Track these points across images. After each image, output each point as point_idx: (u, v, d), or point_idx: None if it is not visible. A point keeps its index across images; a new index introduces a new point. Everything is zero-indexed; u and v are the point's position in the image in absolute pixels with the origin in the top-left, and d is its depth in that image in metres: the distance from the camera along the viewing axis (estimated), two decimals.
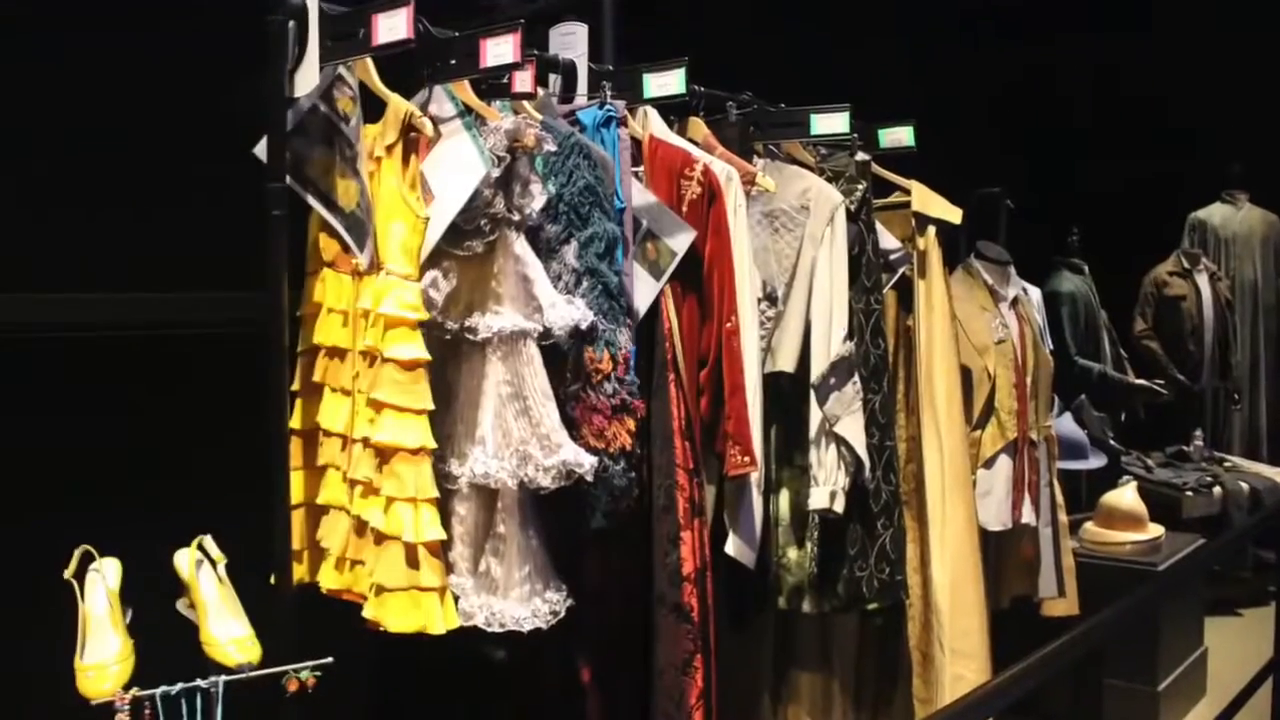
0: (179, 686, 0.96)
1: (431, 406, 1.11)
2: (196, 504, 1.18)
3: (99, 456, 1.26)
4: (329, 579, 1.18)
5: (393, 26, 1.06)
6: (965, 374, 1.82)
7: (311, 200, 1.15)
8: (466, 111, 1.18)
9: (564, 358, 1.19)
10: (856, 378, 1.52)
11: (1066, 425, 2.50)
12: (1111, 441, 2.79)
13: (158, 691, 0.96)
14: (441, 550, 1.12)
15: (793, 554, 1.55)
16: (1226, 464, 3.08)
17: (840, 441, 1.50)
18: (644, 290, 1.33)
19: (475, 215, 1.14)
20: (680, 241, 1.33)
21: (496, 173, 1.13)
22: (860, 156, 1.66)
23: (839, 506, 1.50)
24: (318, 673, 1.02)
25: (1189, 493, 2.80)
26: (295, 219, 1.14)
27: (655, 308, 1.34)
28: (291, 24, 1.08)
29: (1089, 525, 2.39)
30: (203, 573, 1.11)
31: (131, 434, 1.30)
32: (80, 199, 1.30)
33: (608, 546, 1.26)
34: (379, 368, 1.10)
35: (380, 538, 1.11)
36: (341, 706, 1.13)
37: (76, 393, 1.28)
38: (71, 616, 1.04)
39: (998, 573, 1.94)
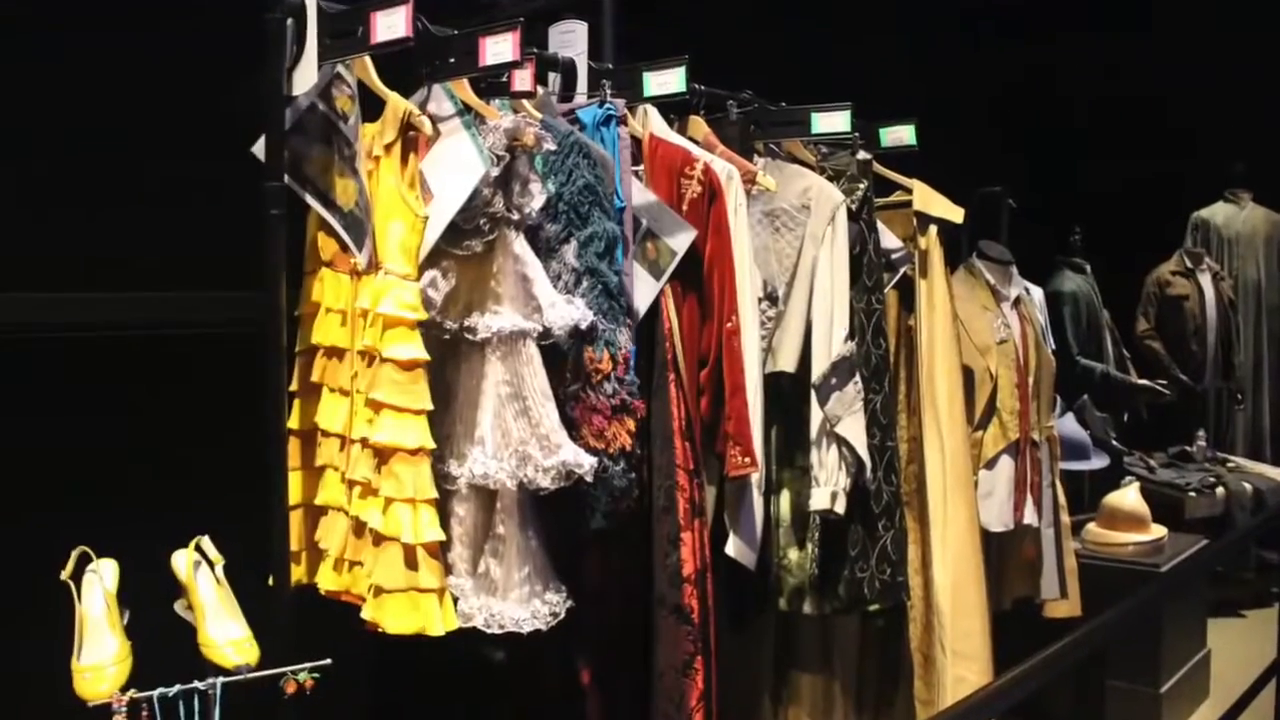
0: (176, 688, 0.96)
1: (430, 407, 1.11)
2: (194, 505, 1.17)
3: (97, 456, 1.26)
4: (327, 580, 1.17)
5: (391, 24, 1.05)
6: (967, 374, 1.82)
7: (310, 199, 1.15)
8: (465, 110, 1.17)
9: (564, 358, 1.19)
10: (858, 378, 1.51)
11: (1069, 426, 2.49)
12: (1114, 442, 2.78)
13: (155, 693, 0.95)
14: (440, 551, 1.11)
15: (793, 555, 1.55)
16: (1229, 464, 3.07)
17: (841, 442, 1.49)
18: (644, 290, 1.32)
19: (474, 214, 1.13)
20: (680, 241, 1.33)
21: (496, 172, 1.13)
22: (861, 155, 1.66)
23: (840, 507, 1.49)
24: (316, 674, 1.02)
25: (1192, 493, 2.79)
26: (294, 218, 1.13)
27: (655, 307, 1.34)
28: (290, 22, 1.07)
29: (1091, 526, 2.39)
30: (200, 574, 1.10)
31: (129, 434, 1.29)
32: (80, 199, 1.30)
33: (607, 547, 1.26)
34: (377, 368, 1.10)
35: (379, 539, 1.10)
36: (340, 708, 1.12)
37: (76, 393, 1.28)
38: (69, 617, 1.04)
39: (1000, 574, 1.93)
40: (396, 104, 1.13)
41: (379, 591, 1.09)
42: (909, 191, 1.79)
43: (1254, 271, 3.49)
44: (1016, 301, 1.99)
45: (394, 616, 1.08)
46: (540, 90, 1.32)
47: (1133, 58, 3.45)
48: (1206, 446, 3.11)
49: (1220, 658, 2.51)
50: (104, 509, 1.19)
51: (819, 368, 1.51)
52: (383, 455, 1.10)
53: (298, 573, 1.18)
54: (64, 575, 1.08)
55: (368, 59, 1.14)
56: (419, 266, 1.11)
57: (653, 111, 1.45)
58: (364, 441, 1.11)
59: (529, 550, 1.16)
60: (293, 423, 1.18)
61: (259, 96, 1.08)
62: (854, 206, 1.59)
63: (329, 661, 1.03)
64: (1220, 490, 2.86)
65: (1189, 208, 3.60)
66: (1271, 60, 3.31)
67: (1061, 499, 2.03)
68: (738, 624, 1.52)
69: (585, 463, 1.12)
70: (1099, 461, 2.56)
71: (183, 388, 1.35)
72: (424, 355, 1.10)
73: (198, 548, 1.12)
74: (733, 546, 1.44)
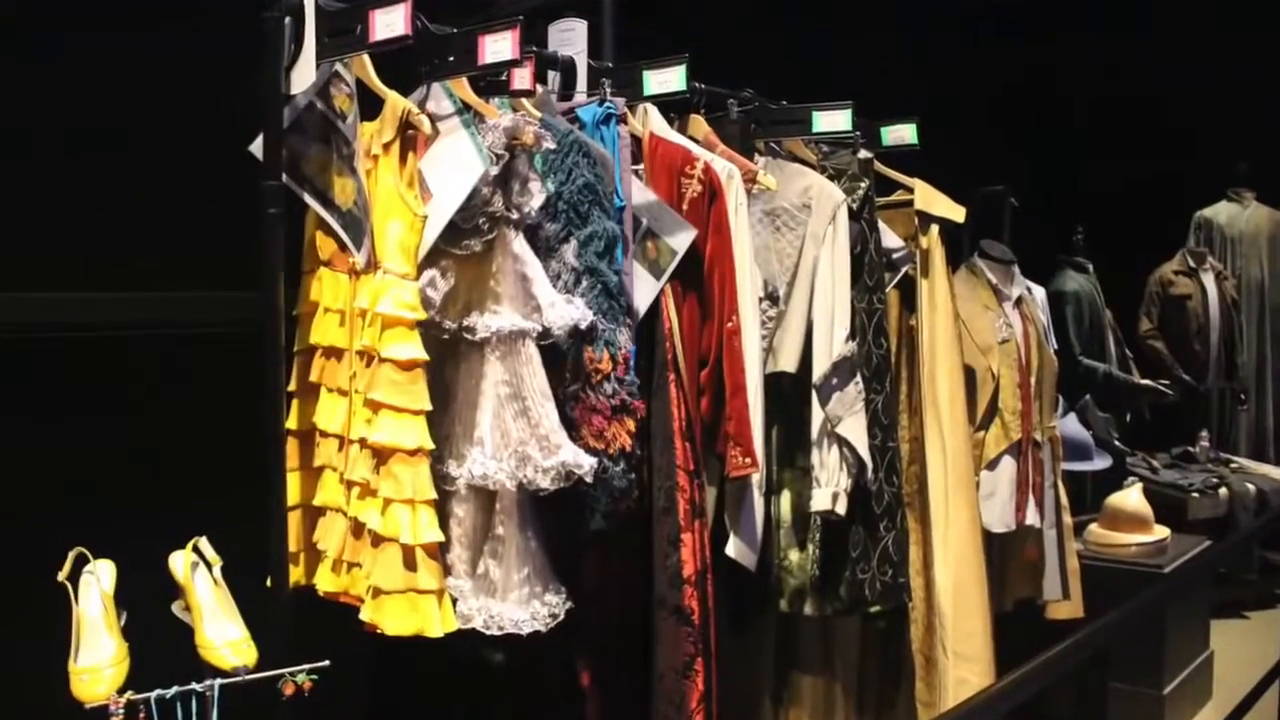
0: (174, 690, 0.96)
1: (429, 407, 1.10)
2: (192, 505, 1.17)
3: (95, 457, 1.25)
4: (326, 581, 1.17)
5: (390, 23, 1.05)
6: (969, 374, 1.81)
7: (308, 198, 1.14)
8: (465, 109, 1.17)
9: (563, 358, 1.18)
10: (859, 378, 1.51)
11: (1071, 426, 2.49)
12: (1116, 442, 2.77)
13: (152, 695, 0.95)
14: (439, 552, 1.11)
15: (794, 556, 1.54)
16: (1233, 465, 3.06)
17: (842, 442, 1.49)
18: (644, 289, 1.32)
19: (473, 214, 1.13)
20: (681, 240, 1.32)
21: (495, 171, 1.12)
22: (863, 154, 1.65)
23: (841, 508, 1.49)
24: (314, 676, 1.01)
25: (1195, 494, 2.79)
26: (292, 217, 1.13)
27: (655, 307, 1.33)
28: (288, 20, 1.07)
29: (1094, 527, 2.38)
30: (198, 575, 1.10)
31: (127, 434, 1.29)
32: (80, 199, 1.30)
33: (607, 548, 1.25)
34: (376, 368, 1.09)
35: (377, 539, 1.10)
36: (338, 710, 1.12)
37: (75, 393, 1.28)
38: (66, 618, 1.03)
39: (1001, 575, 1.92)
40: (395, 102, 1.13)
41: (377, 593, 1.09)
42: (910, 190, 1.78)
43: (1257, 271, 3.48)
44: (1018, 301, 1.98)
45: (393, 618, 1.08)
46: (540, 89, 1.31)
47: (1136, 56, 3.44)
48: (1209, 447, 3.10)
49: (1223, 659, 2.50)
50: (101, 509, 1.18)
51: (820, 368, 1.50)
52: (381, 456, 1.09)
53: (296, 574, 1.18)
54: (61, 576, 1.07)
55: (366, 57, 1.14)
56: (418, 266, 1.11)
57: (653, 110, 1.44)
58: (362, 442, 1.11)
59: (528, 551, 1.16)
60: (291, 423, 1.18)
61: (257, 95, 1.07)
62: (855, 206, 1.58)
63: (327, 663, 1.02)
64: (1223, 491, 2.85)
65: (1192, 207, 3.58)
66: (1276, 58, 3.30)
67: (1064, 500, 2.02)
68: (738, 625, 1.52)
69: (585, 463, 1.12)
70: (1101, 462, 2.55)
71: (181, 388, 1.34)
72: (423, 355, 1.09)
73: (195, 548, 1.12)
74: (733, 547, 1.43)
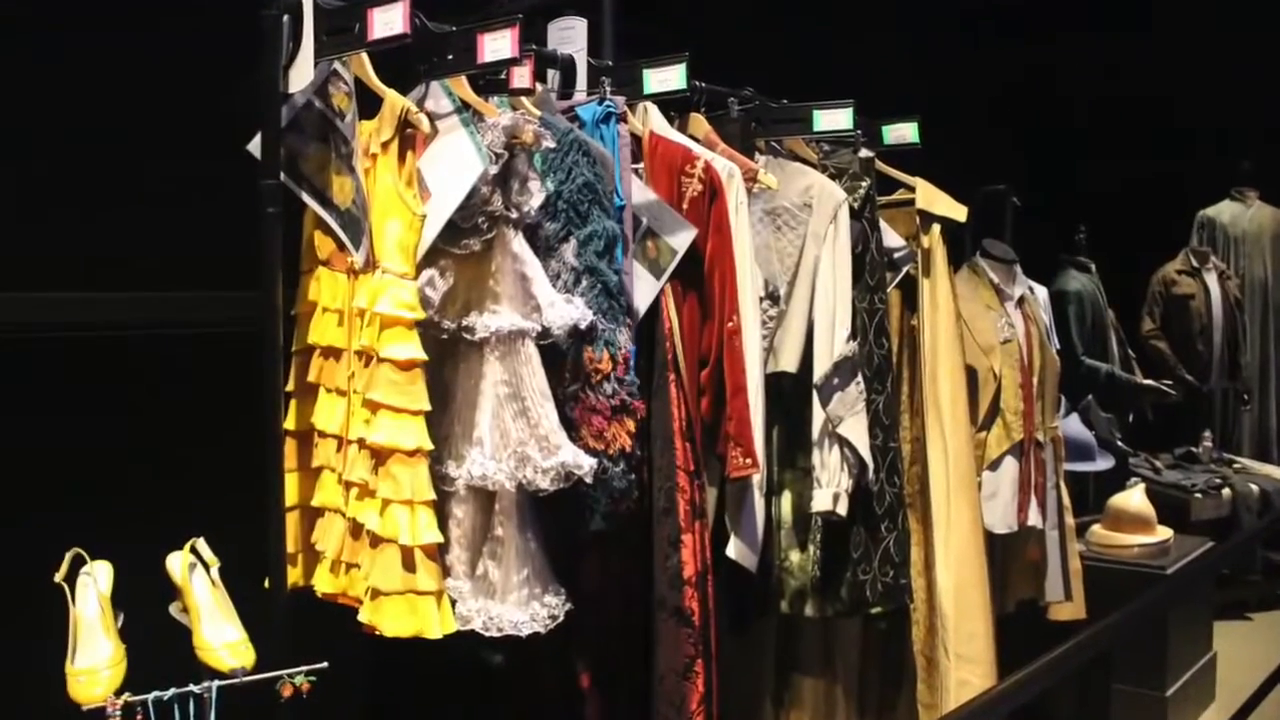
0: (172, 692, 0.95)
1: (428, 407, 1.10)
2: (190, 506, 1.16)
3: (92, 457, 1.25)
4: (324, 582, 1.16)
5: (389, 21, 1.04)
6: (970, 374, 1.80)
7: (306, 197, 1.14)
8: (464, 108, 1.16)
9: (563, 358, 1.18)
10: (860, 378, 1.50)
11: (1073, 426, 2.48)
12: (1119, 443, 2.76)
13: (150, 697, 0.95)
14: (438, 553, 1.10)
15: (795, 557, 1.54)
16: (1236, 465, 3.06)
17: (843, 443, 1.48)
18: (644, 289, 1.31)
19: (473, 213, 1.12)
20: (681, 239, 1.32)
21: (494, 170, 1.12)
22: (864, 153, 1.64)
23: (842, 509, 1.48)
24: (312, 678, 1.01)
25: (1198, 495, 2.78)
26: (291, 217, 1.12)
27: (655, 307, 1.32)
28: (286, 18, 1.06)
29: (1096, 528, 2.37)
30: (196, 576, 1.09)
31: (125, 435, 1.29)
32: (80, 199, 1.30)
33: (607, 549, 1.25)
34: (375, 368, 1.09)
35: (376, 540, 1.09)
36: (337, 712, 1.11)
37: (75, 393, 1.27)
38: (64, 619, 1.03)
39: (1003, 576, 1.92)
40: (394, 101, 1.12)
41: (376, 594, 1.08)
42: (912, 189, 1.78)
43: (1261, 270, 3.46)
44: (1020, 301, 1.98)
45: (391, 619, 1.07)
46: (539, 87, 1.31)
47: (1139, 56, 3.43)
48: (1212, 447, 3.09)
49: (1226, 661, 2.49)
50: (99, 510, 1.18)
51: (821, 368, 1.49)
52: (380, 456, 1.09)
53: (294, 575, 1.17)
54: (58, 577, 1.07)
55: (365, 56, 1.13)
56: (417, 265, 1.10)
57: (653, 109, 1.44)
58: (361, 442, 1.10)
59: (528, 552, 1.15)
60: (289, 423, 1.17)
61: (256, 94, 1.07)
62: (856, 205, 1.58)
63: (326, 664, 1.02)
64: (1226, 492, 2.84)
65: (1195, 206, 3.57)
66: (1278, 57, 3.28)
67: (1066, 500, 2.02)
68: (739, 627, 1.51)
69: (585, 464, 1.11)
70: (1104, 463, 2.54)
71: (181, 388, 1.34)
72: (422, 355, 1.09)
73: (193, 549, 1.11)
74: (734, 548, 1.43)
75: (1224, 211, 3.53)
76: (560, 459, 1.10)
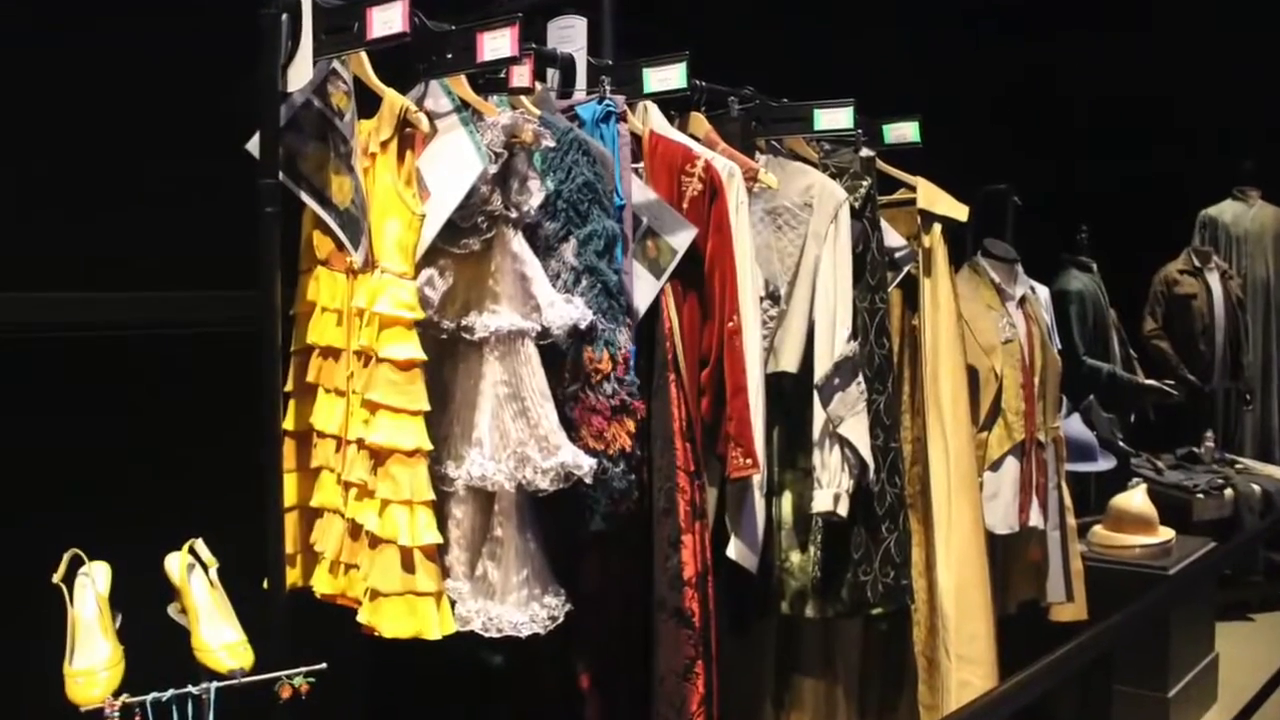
0: (170, 693, 0.95)
1: (427, 407, 1.09)
2: (188, 506, 1.16)
3: (90, 457, 1.25)
4: (323, 583, 1.16)
5: (388, 20, 1.04)
6: (972, 374, 1.80)
7: (305, 197, 1.13)
8: (463, 107, 1.16)
9: (562, 358, 1.17)
10: (861, 378, 1.50)
11: (1075, 426, 2.47)
12: (1121, 443, 2.76)
13: (148, 698, 0.94)
14: (438, 554, 1.10)
15: (795, 558, 1.53)
16: (1238, 466, 3.05)
17: (844, 443, 1.48)
18: (644, 289, 1.31)
19: (472, 212, 1.12)
20: (681, 239, 1.31)
21: (494, 169, 1.11)
22: (865, 152, 1.64)
23: (843, 509, 1.47)
24: (311, 679, 1.01)
25: (1200, 495, 2.77)
26: (290, 216, 1.12)
27: (655, 307, 1.32)
28: (285, 17, 1.06)
29: (1098, 528, 2.36)
30: (194, 577, 1.09)
31: (124, 435, 1.28)
32: (80, 199, 1.29)
33: (607, 550, 1.24)
34: (374, 368, 1.08)
35: (375, 541, 1.09)
36: (336, 713, 1.11)
37: (75, 393, 1.27)
38: (62, 620, 1.03)
39: (1005, 577, 1.91)
40: (393, 100, 1.12)
41: (375, 595, 1.08)
42: (913, 189, 1.77)
43: (1263, 270, 3.46)
44: (1022, 300, 1.97)
45: (390, 620, 1.07)
46: (539, 86, 1.30)
47: (1140, 55, 3.42)
48: (1215, 448, 3.08)
49: (1229, 662, 2.49)
50: (97, 510, 1.18)
51: (822, 368, 1.49)
52: (379, 457, 1.08)
53: (293, 576, 1.17)
54: (56, 578, 1.06)
55: (364, 55, 1.13)
56: (416, 265, 1.10)
57: (653, 108, 1.43)
58: (360, 443, 1.10)
59: (527, 553, 1.15)
60: (288, 424, 1.17)
61: (255, 93, 1.06)
62: (857, 204, 1.57)
63: (324, 666, 1.02)
64: (1229, 492, 2.84)
65: (1197, 205, 3.56)
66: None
67: (1067, 501, 2.01)
68: (739, 628, 1.51)
69: (584, 464, 1.11)
70: (1105, 463, 2.53)
71: (180, 387, 1.34)
72: (421, 355, 1.09)
73: (191, 550, 1.11)
74: (734, 549, 1.42)
75: (1226, 211, 3.52)
76: (560, 459, 1.09)
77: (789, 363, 1.51)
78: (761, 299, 1.47)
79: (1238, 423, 3.40)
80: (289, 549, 1.15)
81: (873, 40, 2.59)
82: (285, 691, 0.99)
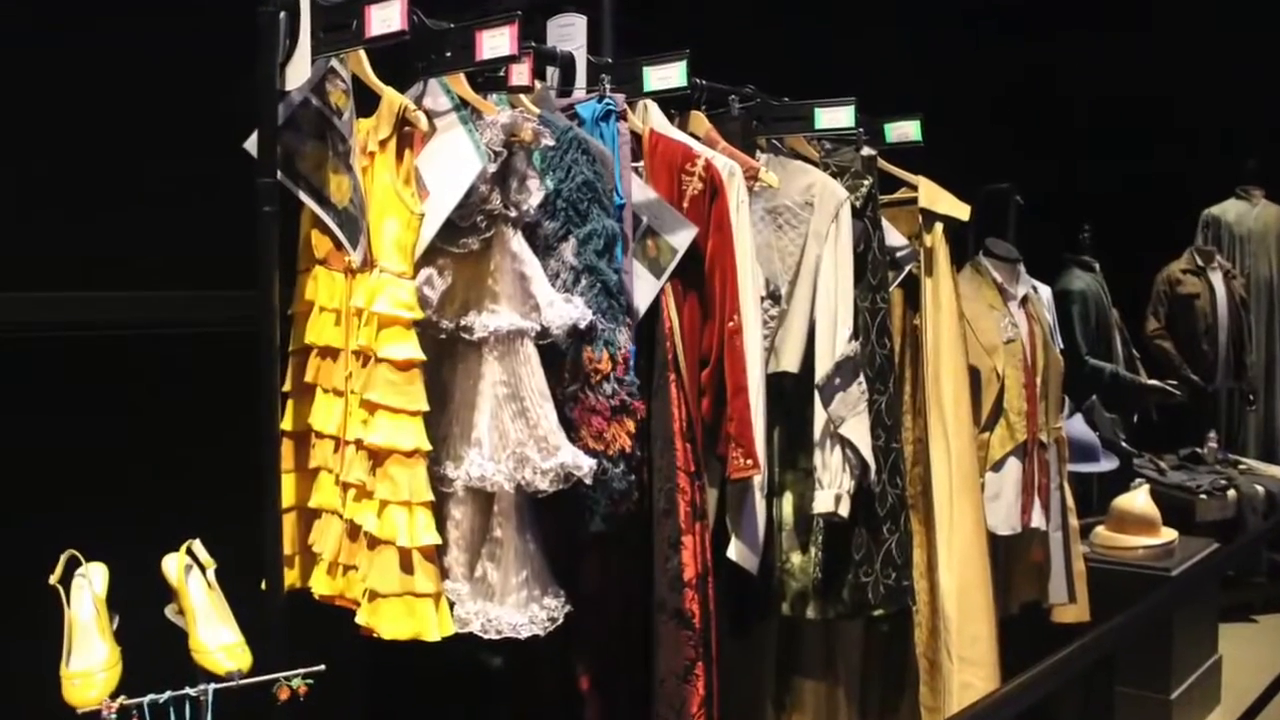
0: (167, 694, 0.94)
1: (426, 408, 1.09)
2: (186, 507, 1.16)
3: (88, 458, 1.25)
4: (321, 584, 1.15)
5: (386, 18, 1.04)
6: (973, 374, 1.79)
7: (303, 196, 1.13)
8: (462, 105, 1.15)
9: (562, 358, 1.17)
10: (862, 378, 1.49)
11: (1077, 427, 2.47)
12: (1123, 444, 2.75)
13: (146, 700, 0.94)
14: (436, 555, 1.10)
15: (796, 559, 1.53)
16: (1241, 466, 3.04)
17: (845, 444, 1.47)
18: (644, 288, 1.30)
19: (471, 211, 1.11)
20: (681, 238, 1.31)
21: (493, 168, 1.11)
22: (866, 151, 1.63)
23: (844, 510, 1.47)
24: (309, 680, 1.00)
25: (1203, 496, 2.76)
26: (288, 215, 1.11)
27: (656, 306, 1.31)
28: (283, 15, 1.06)
29: (1100, 529, 2.36)
30: (192, 578, 1.09)
31: (122, 435, 1.28)
32: (80, 199, 1.29)
33: (607, 551, 1.24)
34: (372, 368, 1.08)
35: (374, 542, 1.08)
36: (334, 715, 1.11)
37: (75, 393, 1.27)
38: (60, 621, 1.02)
39: (1007, 578, 1.91)
40: (392, 99, 1.11)
41: (374, 596, 1.08)
42: (914, 188, 1.76)
43: (1266, 269, 3.44)
44: (1024, 300, 1.96)
45: (389, 621, 1.06)
46: (538, 85, 1.30)
47: (1141, 55, 3.41)
48: (1218, 448, 3.07)
49: (1232, 663, 2.48)
50: (95, 510, 1.17)
51: (823, 368, 1.48)
52: (378, 457, 1.08)
53: (291, 577, 1.17)
54: (52, 579, 1.06)
55: (363, 53, 1.12)
56: (415, 264, 1.09)
57: (653, 106, 1.43)
58: (358, 443, 1.10)
59: (527, 554, 1.14)
60: (286, 424, 1.16)
61: (253, 92, 1.06)
62: (858, 203, 1.56)
63: (323, 667, 1.01)
64: (1232, 493, 2.83)
65: (1200, 205, 3.55)
66: None
67: (1070, 501, 2.00)
68: (739, 629, 1.50)
69: (584, 465, 1.10)
70: (1108, 463, 2.53)
71: (180, 387, 1.33)
72: (420, 355, 1.08)
73: (189, 551, 1.10)
74: (734, 550, 1.42)
75: (1229, 210, 3.51)
76: (559, 460, 1.09)
77: (790, 363, 1.51)
78: (762, 298, 1.46)
79: (1241, 423, 3.38)
80: (287, 550, 1.14)
81: (873, 40, 2.58)
82: (283, 693, 0.99)
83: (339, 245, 1.12)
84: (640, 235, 1.31)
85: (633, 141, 1.35)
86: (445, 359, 1.17)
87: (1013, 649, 1.72)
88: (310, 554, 1.18)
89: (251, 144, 1.12)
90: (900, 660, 1.69)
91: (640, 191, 1.33)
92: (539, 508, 1.15)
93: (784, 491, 1.54)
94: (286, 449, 1.16)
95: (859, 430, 1.48)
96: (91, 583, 1.06)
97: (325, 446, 1.16)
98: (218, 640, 1.03)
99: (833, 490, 1.47)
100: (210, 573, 1.10)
